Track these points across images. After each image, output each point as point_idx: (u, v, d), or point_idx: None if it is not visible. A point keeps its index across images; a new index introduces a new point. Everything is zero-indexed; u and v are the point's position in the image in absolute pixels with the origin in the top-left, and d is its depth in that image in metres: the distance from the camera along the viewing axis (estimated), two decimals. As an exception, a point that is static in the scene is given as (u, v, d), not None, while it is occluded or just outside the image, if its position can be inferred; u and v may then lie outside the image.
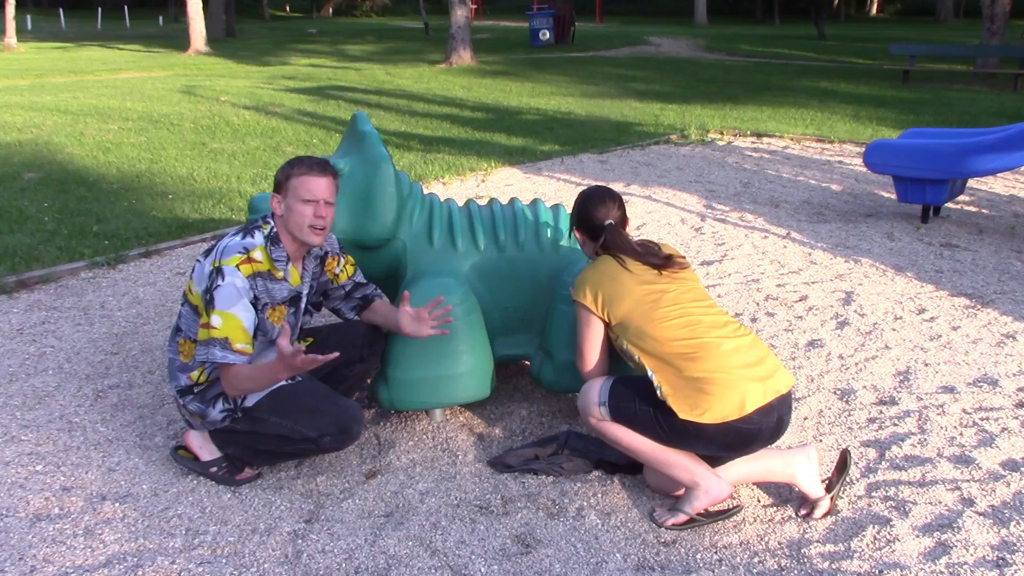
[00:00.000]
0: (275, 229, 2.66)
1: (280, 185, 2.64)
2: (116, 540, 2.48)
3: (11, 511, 2.62)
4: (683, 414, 2.41)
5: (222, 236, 2.71)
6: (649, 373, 2.49)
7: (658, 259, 2.65)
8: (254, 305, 2.60)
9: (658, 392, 2.46)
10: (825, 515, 2.57)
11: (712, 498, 2.52)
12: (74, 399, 3.39)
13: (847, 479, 2.72)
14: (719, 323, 2.54)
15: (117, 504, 2.66)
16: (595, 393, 2.59)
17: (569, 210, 5.85)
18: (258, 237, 2.63)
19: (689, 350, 2.46)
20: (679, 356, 2.46)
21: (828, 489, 2.62)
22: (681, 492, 2.60)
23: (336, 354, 2.39)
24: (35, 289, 4.65)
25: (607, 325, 2.62)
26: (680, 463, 2.52)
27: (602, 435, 2.60)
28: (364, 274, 3.13)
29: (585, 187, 2.80)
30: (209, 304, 2.54)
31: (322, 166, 2.64)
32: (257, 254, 2.60)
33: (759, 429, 2.44)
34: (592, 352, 2.68)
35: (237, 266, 2.55)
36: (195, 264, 2.68)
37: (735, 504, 2.57)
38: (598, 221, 2.73)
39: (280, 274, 2.66)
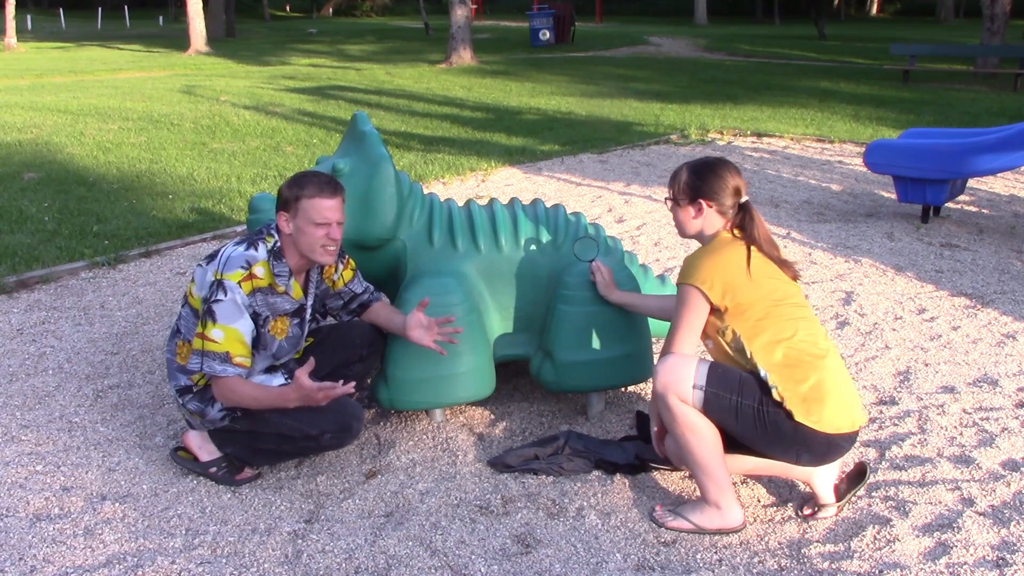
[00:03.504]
0: (279, 243, 2.64)
1: (288, 204, 2.59)
2: (116, 540, 2.48)
3: (11, 511, 2.62)
4: (800, 417, 2.35)
5: (223, 238, 2.70)
6: (762, 372, 2.38)
7: (780, 258, 2.49)
8: (254, 320, 2.60)
9: (773, 392, 2.36)
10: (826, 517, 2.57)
11: (724, 525, 2.49)
12: (74, 399, 3.39)
13: (859, 491, 2.67)
14: (828, 342, 2.47)
15: (117, 504, 2.66)
16: (691, 373, 2.40)
17: (571, 210, 5.85)
18: (261, 250, 2.61)
19: (810, 359, 2.38)
20: (800, 362, 2.38)
21: (837, 493, 2.60)
22: (698, 494, 2.57)
23: (352, 386, 2.47)
24: (35, 289, 4.65)
25: (718, 313, 2.44)
26: (719, 480, 2.46)
27: (673, 414, 2.42)
28: (364, 274, 3.13)
29: (700, 159, 2.58)
30: (208, 316, 2.54)
31: (332, 186, 2.61)
32: (259, 269, 2.59)
33: (845, 448, 2.44)
34: (691, 339, 2.46)
35: (239, 283, 2.55)
36: (196, 268, 2.68)
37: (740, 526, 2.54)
38: (739, 196, 2.50)
39: (281, 288, 2.65)
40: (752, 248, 2.47)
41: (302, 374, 2.45)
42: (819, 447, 2.40)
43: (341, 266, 2.90)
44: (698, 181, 2.51)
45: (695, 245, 5.34)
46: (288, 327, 2.72)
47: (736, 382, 2.41)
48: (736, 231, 2.52)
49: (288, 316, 2.70)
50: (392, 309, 2.97)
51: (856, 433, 2.45)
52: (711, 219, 2.52)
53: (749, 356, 2.41)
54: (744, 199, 2.51)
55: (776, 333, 2.40)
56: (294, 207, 2.59)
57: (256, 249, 2.61)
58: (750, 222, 2.50)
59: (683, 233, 2.60)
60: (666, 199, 2.62)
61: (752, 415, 2.39)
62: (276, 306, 2.66)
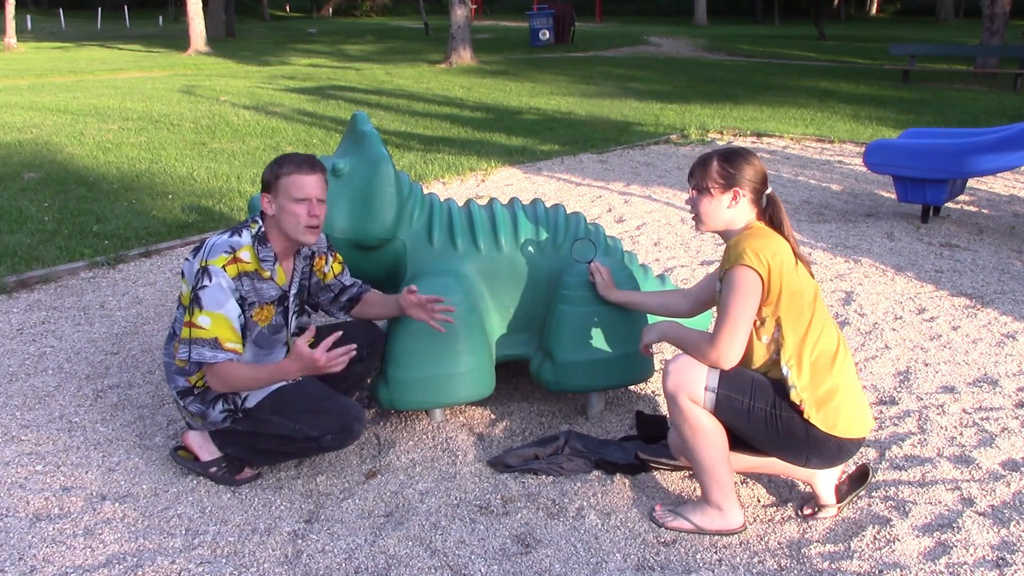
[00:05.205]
0: (263, 228, 2.65)
1: (269, 185, 2.61)
2: (116, 540, 2.48)
3: (11, 511, 2.62)
4: (816, 421, 2.32)
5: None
6: (785, 370, 2.34)
7: (801, 254, 2.40)
8: (240, 305, 2.60)
9: (792, 393, 2.33)
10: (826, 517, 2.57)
11: (724, 526, 2.49)
12: (74, 399, 3.39)
13: (860, 492, 2.66)
14: (845, 345, 2.43)
15: (117, 504, 2.66)
16: (704, 375, 2.36)
17: (570, 210, 5.84)
18: (245, 236, 2.63)
19: (830, 362, 2.35)
20: (821, 361, 2.35)
21: (838, 494, 2.60)
22: (698, 494, 2.58)
23: (353, 346, 2.44)
24: (35, 289, 4.65)
25: (763, 300, 2.33)
26: (723, 482, 2.45)
27: (683, 414, 2.39)
28: (364, 274, 3.13)
29: (717, 148, 2.47)
30: (195, 303, 2.53)
31: (311, 163, 2.62)
32: (244, 254, 2.60)
33: (853, 452, 2.43)
34: (744, 326, 2.31)
35: (223, 267, 2.55)
36: (184, 263, 2.68)
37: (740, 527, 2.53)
38: (766, 186, 2.42)
39: (267, 274, 2.65)
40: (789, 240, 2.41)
41: (302, 343, 2.42)
42: (829, 451, 2.39)
43: (330, 258, 2.90)
44: (731, 169, 2.39)
45: (696, 246, 5.37)
46: (272, 315, 2.72)
47: (748, 385, 2.38)
48: (764, 223, 2.44)
49: (273, 304, 2.70)
50: (385, 295, 2.98)
51: (864, 438, 2.45)
52: (743, 209, 2.41)
53: (782, 352, 2.34)
54: (770, 190, 2.44)
55: (813, 332, 2.36)
56: (275, 187, 2.60)
57: (240, 235, 2.62)
58: (778, 214, 2.43)
59: (708, 226, 2.45)
60: (692, 190, 2.47)
61: (764, 418, 2.37)
62: (262, 292, 2.66)
